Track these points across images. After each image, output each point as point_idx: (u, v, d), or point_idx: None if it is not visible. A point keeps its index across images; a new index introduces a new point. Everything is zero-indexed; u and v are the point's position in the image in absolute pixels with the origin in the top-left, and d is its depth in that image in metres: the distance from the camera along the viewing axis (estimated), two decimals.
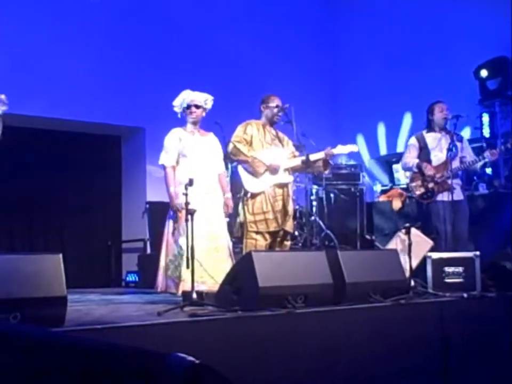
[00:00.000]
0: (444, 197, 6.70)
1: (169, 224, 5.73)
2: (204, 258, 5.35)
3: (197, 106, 5.87)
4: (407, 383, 4.63)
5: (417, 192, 6.83)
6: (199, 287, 5.20)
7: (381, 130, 11.14)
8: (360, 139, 11.24)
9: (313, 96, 11.05)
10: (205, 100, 5.92)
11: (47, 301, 3.61)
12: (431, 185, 6.74)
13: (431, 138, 6.92)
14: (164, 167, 5.82)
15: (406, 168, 7.20)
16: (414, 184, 6.89)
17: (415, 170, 6.89)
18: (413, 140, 7.04)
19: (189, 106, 5.86)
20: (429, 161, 6.85)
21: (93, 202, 10.32)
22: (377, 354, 4.48)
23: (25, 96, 8.77)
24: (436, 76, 9.63)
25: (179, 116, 5.95)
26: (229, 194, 5.99)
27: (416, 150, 6.93)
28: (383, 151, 11.12)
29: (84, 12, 9.56)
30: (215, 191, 5.84)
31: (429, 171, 6.75)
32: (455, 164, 6.73)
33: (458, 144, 6.84)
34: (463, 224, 6.67)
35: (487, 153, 6.76)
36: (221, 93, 8.27)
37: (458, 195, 6.70)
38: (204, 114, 5.95)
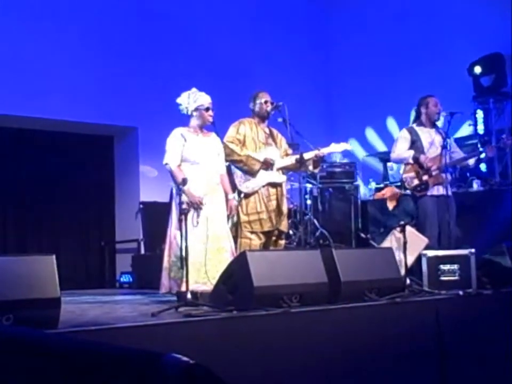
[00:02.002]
0: (437, 191, 6.68)
1: (172, 225, 5.68)
2: (206, 259, 5.34)
3: (212, 110, 5.86)
4: (403, 381, 4.62)
5: (412, 184, 6.78)
6: (201, 287, 5.20)
7: (372, 130, 11.13)
8: (355, 137, 11.22)
9: (307, 94, 11.05)
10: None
11: (40, 302, 3.59)
12: (425, 177, 6.71)
13: (423, 132, 6.88)
14: (169, 167, 5.74)
15: (398, 160, 7.09)
16: (409, 175, 6.82)
17: (411, 161, 6.81)
18: (404, 132, 6.94)
19: (208, 109, 5.82)
20: (423, 154, 6.81)
21: (86, 202, 10.29)
22: (373, 352, 4.47)
23: (17, 97, 8.76)
24: (430, 72, 9.63)
25: (184, 111, 5.87)
26: (232, 196, 5.95)
27: (407, 142, 6.86)
28: (377, 148, 11.10)
29: (76, 12, 9.52)
30: (216, 191, 5.81)
31: (428, 163, 6.70)
32: (447, 159, 6.71)
33: (448, 140, 6.82)
34: (452, 220, 6.66)
35: (486, 149, 6.74)
36: (215, 92, 8.23)
37: (448, 190, 6.68)
38: None
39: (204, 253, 5.31)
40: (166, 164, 5.73)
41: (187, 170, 5.69)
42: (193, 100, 5.81)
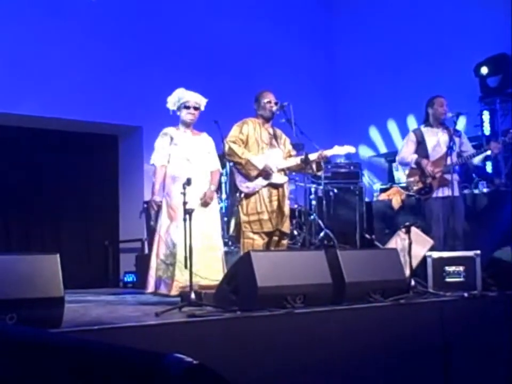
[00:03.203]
0: (442, 192, 6.67)
1: (161, 224, 5.70)
2: (197, 258, 5.33)
3: (195, 108, 5.84)
4: (407, 382, 4.60)
5: (415, 188, 6.79)
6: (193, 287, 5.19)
7: (377, 130, 11.11)
8: (359, 137, 11.20)
9: (312, 94, 11.04)
10: (200, 100, 5.90)
11: (44, 301, 3.59)
12: (429, 180, 6.70)
13: (429, 133, 6.88)
14: (154, 166, 5.81)
15: (403, 163, 7.12)
16: (412, 179, 6.83)
17: (414, 166, 6.83)
18: (411, 135, 7.00)
19: (188, 107, 5.82)
20: (427, 157, 6.81)
21: (90, 202, 10.28)
22: (377, 354, 4.46)
23: (21, 95, 8.76)
24: (436, 73, 9.60)
25: (171, 112, 5.91)
26: (214, 187, 5.93)
27: (413, 144, 6.89)
28: (383, 149, 11.08)
29: (80, 11, 9.52)
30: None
31: (428, 167, 6.70)
32: (453, 159, 6.68)
33: (456, 139, 6.80)
34: (458, 221, 6.63)
35: (490, 145, 6.73)
36: (219, 92, 8.29)
37: (455, 191, 6.66)
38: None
39: (196, 251, 5.30)
40: (152, 164, 5.80)
41: (178, 167, 5.71)
42: (176, 99, 5.84)
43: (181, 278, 5.33)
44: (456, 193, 6.68)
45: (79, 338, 1.93)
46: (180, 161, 5.77)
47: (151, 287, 5.64)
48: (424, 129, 6.92)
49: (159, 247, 5.65)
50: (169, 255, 5.55)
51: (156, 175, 5.78)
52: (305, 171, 6.21)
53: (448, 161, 6.61)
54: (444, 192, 6.67)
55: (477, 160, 6.87)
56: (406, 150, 6.91)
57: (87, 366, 1.60)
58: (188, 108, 5.82)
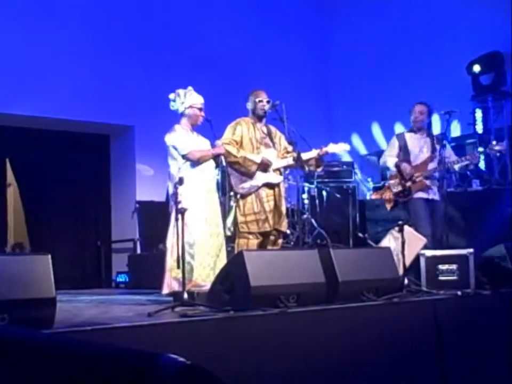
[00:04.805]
0: (427, 194, 6.69)
1: (175, 225, 5.58)
2: (211, 257, 5.33)
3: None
4: (401, 381, 4.59)
5: (394, 190, 6.85)
6: (207, 286, 5.17)
7: (375, 128, 11.12)
8: (355, 137, 11.22)
9: (306, 93, 11.05)
10: None
11: (35, 302, 3.57)
12: (408, 183, 6.75)
13: (412, 138, 6.96)
14: (190, 154, 5.59)
15: (384, 167, 7.32)
16: (392, 182, 6.92)
17: (394, 169, 6.90)
18: (393, 139, 7.13)
19: (201, 109, 5.82)
20: (408, 161, 6.84)
21: (82, 202, 10.27)
22: (371, 353, 4.45)
23: (13, 95, 8.74)
24: (428, 71, 9.63)
25: (180, 110, 5.82)
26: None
27: (395, 149, 6.99)
28: (377, 148, 11.08)
29: (73, 10, 9.50)
30: (215, 191, 5.82)
31: (407, 170, 6.75)
32: (433, 165, 6.72)
33: (437, 146, 6.82)
34: (438, 223, 6.63)
35: (468, 156, 6.78)
36: (212, 91, 8.24)
37: (435, 195, 6.70)
38: None
39: (210, 250, 5.31)
40: (187, 153, 5.58)
41: (190, 169, 5.66)
42: (188, 96, 5.80)
43: (199, 278, 5.32)
44: (437, 197, 6.72)
45: (71, 338, 1.92)
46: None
47: (167, 288, 5.56)
48: (407, 134, 7.02)
49: (174, 248, 5.53)
50: (187, 255, 5.50)
51: (198, 154, 5.60)
52: (308, 168, 6.22)
53: (429, 167, 6.67)
54: (428, 195, 6.71)
55: (457, 167, 6.89)
56: (388, 153, 7.09)
57: (80, 367, 1.59)
58: (201, 109, 5.82)
